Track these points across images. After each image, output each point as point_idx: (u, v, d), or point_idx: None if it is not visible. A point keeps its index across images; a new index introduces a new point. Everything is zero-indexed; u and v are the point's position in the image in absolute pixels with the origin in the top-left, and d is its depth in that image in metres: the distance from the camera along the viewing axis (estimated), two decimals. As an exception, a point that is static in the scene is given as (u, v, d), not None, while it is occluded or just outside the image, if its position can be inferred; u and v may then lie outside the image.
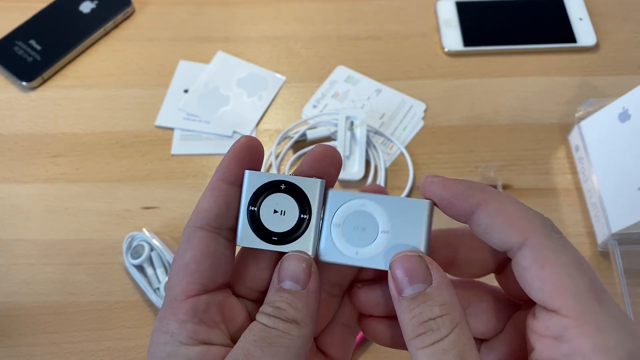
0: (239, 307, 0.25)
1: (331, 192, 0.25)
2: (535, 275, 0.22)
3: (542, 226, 0.22)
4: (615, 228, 0.48)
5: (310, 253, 0.25)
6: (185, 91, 0.61)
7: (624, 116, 0.49)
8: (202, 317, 0.24)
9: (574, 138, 0.56)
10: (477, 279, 0.27)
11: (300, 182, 0.25)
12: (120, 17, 0.65)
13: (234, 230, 0.25)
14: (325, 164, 0.26)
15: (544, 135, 0.58)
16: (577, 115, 0.55)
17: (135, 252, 0.50)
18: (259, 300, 0.26)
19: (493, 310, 0.26)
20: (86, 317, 0.49)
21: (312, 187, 0.25)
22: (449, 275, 0.26)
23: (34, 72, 0.61)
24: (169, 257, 0.50)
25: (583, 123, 0.54)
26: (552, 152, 0.57)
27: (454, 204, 0.24)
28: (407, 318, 0.22)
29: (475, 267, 0.26)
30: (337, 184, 0.55)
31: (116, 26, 0.66)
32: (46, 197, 0.55)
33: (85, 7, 0.66)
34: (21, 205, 0.55)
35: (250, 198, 0.25)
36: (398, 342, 0.26)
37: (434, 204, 0.25)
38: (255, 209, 0.25)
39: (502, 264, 0.26)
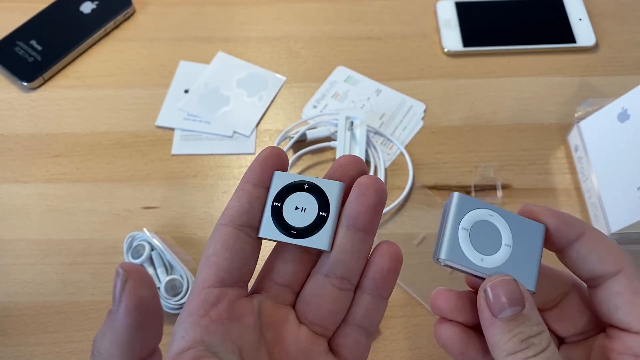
0: (249, 308, 0.26)
1: (458, 196, 0.27)
2: (627, 300, 0.25)
3: (632, 261, 0.26)
4: (615, 228, 0.48)
5: (326, 248, 0.26)
6: (186, 91, 0.61)
7: (623, 116, 0.49)
8: (208, 309, 0.25)
9: (573, 138, 0.56)
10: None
11: (321, 183, 0.27)
12: (120, 17, 0.65)
13: (257, 228, 0.27)
14: (348, 169, 0.28)
15: (544, 135, 0.58)
16: (576, 115, 0.55)
17: (136, 252, 0.50)
18: (277, 295, 0.28)
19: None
20: (87, 317, 0.50)
21: (332, 188, 0.27)
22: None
23: (35, 72, 0.61)
24: (169, 256, 0.50)
25: (582, 123, 0.54)
26: (552, 152, 0.57)
27: (562, 230, 0.26)
28: (506, 337, 0.24)
29: (538, 297, 0.28)
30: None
31: (117, 26, 0.66)
32: (47, 197, 0.55)
33: (86, 8, 0.66)
34: (22, 205, 0.55)
35: (276, 195, 0.27)
36: (468, 353, 0.27)
37: (547, 229, 0.26)
38: (279, 204, 0.27)
39: (556, 298, 0.29)
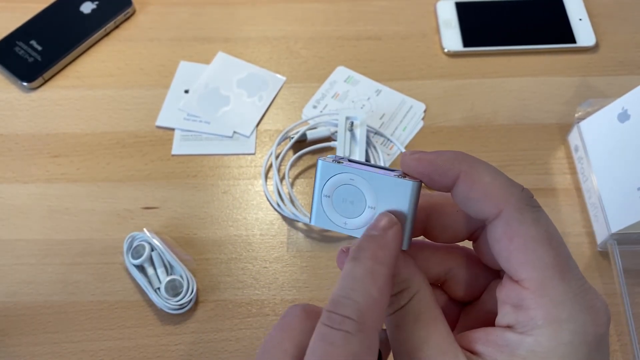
0: None
1: (321, 163, 0.26)
2: (504, 247, 0.23)
3: (518, 199, 0.23)
4: (615, 228, 0.48)
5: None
6: (186, 91, 0.61)
7: (624, 116, 0.49)
8: None
9: (573, 138, 0.56)
10: (461, 245, 0.28)
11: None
12: (120, 17, 0.65)
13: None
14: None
15: (544, 136, 0.58)
16: (576, 115, 0.55)
17: (136, 252, 0.50)
18: None
19: (472, 276, 0.28)
20: (87, 317, 0.50)
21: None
22: (427, 240, 0.28)
23: (35, 72, 0.61)
24: (169, 257, 0.50)
25: (582, 123, 0.54)
26: (552, 152, 0.57)
27: (433, 179, 0.25)
28: None
29: (449, 233, 0.27)
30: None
31: (117, 26, 0.66)
32: (47, 197, 0.55)
33: (86, 8, 0.66)
34: (22, 205, 0.55)
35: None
36: None
37: (421, 183, 0.25)
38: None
39: (477, 232, 0.27)
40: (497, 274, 0.27)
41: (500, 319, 0.24)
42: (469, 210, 0.25)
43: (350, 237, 0.52)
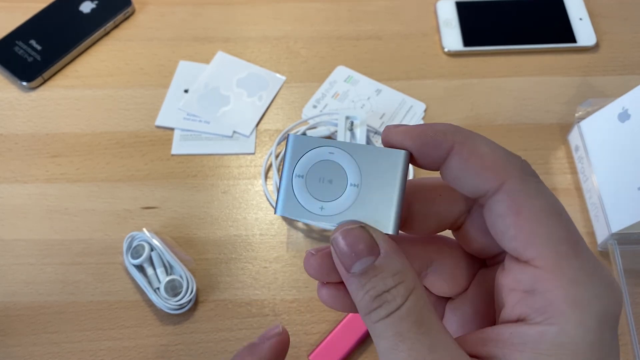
0: None
1: (293, 137, 0.22)
2: (510, 222, 0.20)
3: (519, 169, 0.21)
4: (615, 228, 0.48)
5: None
6: (186, 91, 0.61)
7: (624, 116, 0.49)
8: None
9: (573, 138, 0.56)
10: (439, 234, 0.26)
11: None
12: (120, 17, 0.65)
13: None
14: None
15: (544, 135, 0.58)
16: (577, 115, 0.55)
17: (136, 252, 0.50)
18: None
19: (457, 267, 0.25)
20: (86, 317, 0.49)
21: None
22: (405, 233, 0.25)
23: (34, 72, 0.61)
24: (169, 257, 0.50)
25: (583, 123, 0.54)
26: (552, 152, 0.57)
27: (425, 152, 0.22)
28: (360, 295, 0.21)
29: (431, 223, 0.24)
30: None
31: (116, 26, 0.66)
32: (46, 197, 0.55)
33: (86, 7, 0.66)
34: (22, 205, 0.55)
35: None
36: (354, 307, 0.23)
37: (410, 154, 0.22)
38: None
39: (460, 218, 0.24)
40: (483, 263, 0.25)
41: (509, 312, 0.21)
42: (462, 187, 0.22)
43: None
